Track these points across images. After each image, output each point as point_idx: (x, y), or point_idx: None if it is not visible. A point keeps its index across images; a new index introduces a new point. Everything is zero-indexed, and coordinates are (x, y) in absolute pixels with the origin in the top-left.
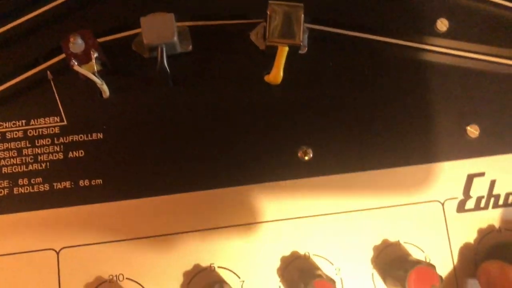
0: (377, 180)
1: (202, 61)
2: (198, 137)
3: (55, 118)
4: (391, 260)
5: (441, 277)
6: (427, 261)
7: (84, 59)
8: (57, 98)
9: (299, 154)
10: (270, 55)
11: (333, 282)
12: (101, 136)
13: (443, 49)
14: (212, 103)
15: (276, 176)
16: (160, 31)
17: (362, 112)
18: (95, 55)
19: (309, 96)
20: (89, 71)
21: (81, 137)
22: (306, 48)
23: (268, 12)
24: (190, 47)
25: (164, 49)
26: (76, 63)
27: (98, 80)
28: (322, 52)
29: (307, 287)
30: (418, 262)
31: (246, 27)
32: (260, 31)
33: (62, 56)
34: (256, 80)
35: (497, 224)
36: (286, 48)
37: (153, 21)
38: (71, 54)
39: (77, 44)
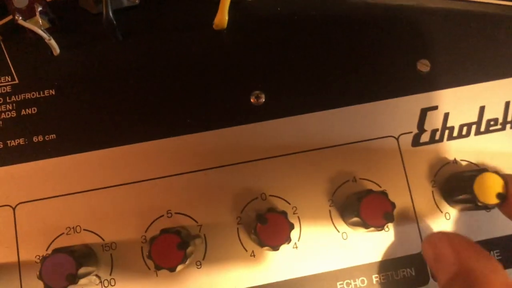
0: (331, 119)
1: (149, 13)
2: (151, 88)
3: (6, 77)
4: (347, 195)
5: (393, 203)
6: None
7: (28, 13)
8: (7, 58)
9: (251, 99)
10: (216, 1)
11: (284, 213)
12: (53, 93)
13: None
14: (162, 54)
15: (232, 122)
16: None
17: (311, 54)
18: (39, 8)
19: (259, 41)
20: (35, 26)
21: (33, 95)
22: None
23: None
24: (137, 0)
25: (108, 1)
26: (20, 18)
27: (45, 35)
28: None
29: (260, 221)
30: (370, 190)
31: None
32: None
33: (10, 17)
34: (205, 28)
35: (452, 156)
36: None
37: None
38: (15, 9)
39: None
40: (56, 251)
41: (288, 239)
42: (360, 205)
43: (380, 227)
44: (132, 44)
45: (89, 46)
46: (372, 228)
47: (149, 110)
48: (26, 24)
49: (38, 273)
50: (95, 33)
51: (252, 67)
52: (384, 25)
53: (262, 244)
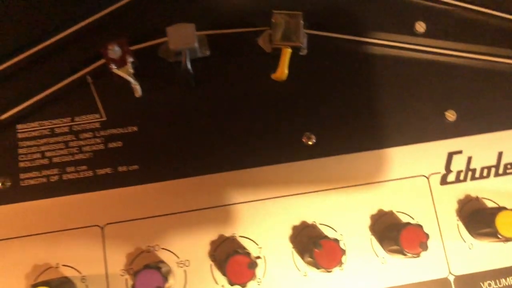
0: (372, 159)
1: (218, 64)
2: (219, 127)
3: (95, 115)
4: (386, 225)
5: (427, 234)
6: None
7: (121, 63)
8: (97, 98)
9: (303, 139)
10: (275, 56)
11: (336, 240)
12: (136, 129)
13: (422, 47)
14: (228, 98)
15: (284, 158)
16: (183, 38)
17: (356, 102)
18: (130, 59)
19: (310, 90)
20: (126, 73)
21: (118, 130)
22: (306, 50)
23: (273, 20)
24: (208, 52)
25: (187, 52)
26: (114, 67)
27: (133, 81)
28: (320, 53)
29: (316, 246)
30: (408, 223)
31: (254, 34)
32: (266, 36)
33: (100, 62)
34: (264, 78)
35: (475, 194)
36: (289, 50)
37: (177, 30)
38: (109, 59)
39: (114, 50)
40: (146, 266)
41: (340, 263)
42: (399, 236)
43: (416, 255)
44: (203, 89)
45: (166, 90)
46: (409, 255)
47: (217, 145)
48: (119, 72)
49: (131, 286)
50: (171, 79)
51: (304, 111)
52: (418, 80)
53: (317, 267)
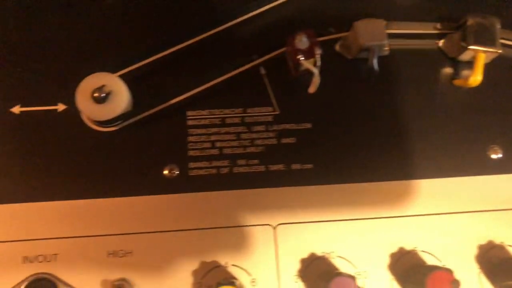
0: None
1: (397, 63)
2: (395, 130)
3: (268, 108)
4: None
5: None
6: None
7: (308, 54)
8: (270, 90)
9: (488, 152)
10: (459, 61)
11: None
12: (310, 126)
13: None
14: (406, 100)
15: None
16: (373, 34)
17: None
18: (318, 51)
19: (495, 95)
20: (312, 66)
21: (291, 126)
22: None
23: (468, 23)
24: (388, 51)
25: (376, 50)
26: (302, 58)
27: (317, 74)
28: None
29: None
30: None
31: (436, 36)
32: (449, 40)
33: (274, 54)
34: (445, 83)
35: None
36: (483, 54)
37: (366, 26)
38: (297, 49)
39: (302, 41)
40: (338, 273)
41: None
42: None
43: None
44: (378, 89)
45: (341, 87)
46: None
47: (394, 151)
48: (306, 64)
49: None
50: (346, 78)
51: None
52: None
53: None
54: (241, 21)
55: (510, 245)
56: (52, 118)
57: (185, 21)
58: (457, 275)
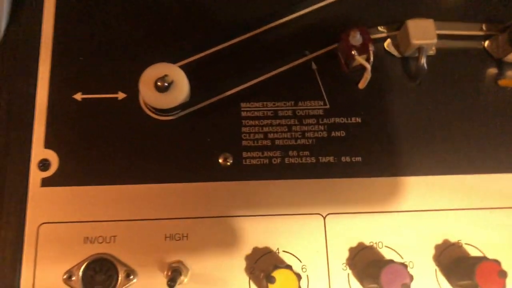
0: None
1: (442, 66)
2: (438, 128)
3: (319, 102)
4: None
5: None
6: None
7: (362, 50)
8: (321, 85)
9: None
10: (502, 62)
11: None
12: (359, 121)
13: None
14: (451, 99)
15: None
16: (424, 33)
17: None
18: (372, 48)
19: None
20: (365, 62)
21: (341, 120)
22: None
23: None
24: (434, 51)
25: (425, 49)
26: (356, 53)
27: (369, 70)
28: None
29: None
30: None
31: (482, 38)
32: (494, 41)
33: (325, 50)
34: (489, 83)
35: None
36: None
37: (417, 25)
38: (351, 45)
39: (356, 38)
40: (390, 261)
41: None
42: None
43: None
44: (426, 91)
45: (387, 85)
46: None
47: (441, 147)
48: (359, 59)
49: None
50: (395, 75)
51: None
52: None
53: None
54: (294, 18)
55: None
56: (112, 106)
57: (242, 16)
58: (504, 267)
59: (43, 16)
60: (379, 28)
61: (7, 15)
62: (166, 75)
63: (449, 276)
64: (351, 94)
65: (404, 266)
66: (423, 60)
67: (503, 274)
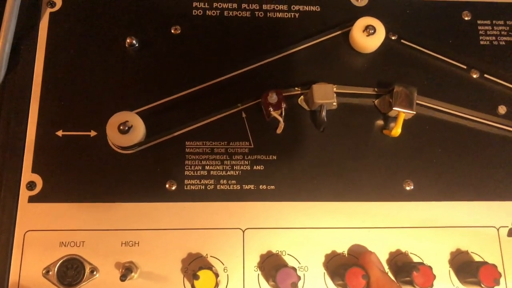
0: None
1: (342, 116)
2: (335, 165)
3: (246, 142)
4: (464, 261)
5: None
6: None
7: (276, 107)
8: (248, 129)
9: (403, 185)
10: (387, 116)
11: (430, 267)
12: (275, 158)
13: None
14: (348, 144)
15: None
16: (325, 94)
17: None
18: (284, 105)
19: (411, 144)
20: (278, 115)
21: (262, 157)
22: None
23: (395, 90)
24: (335, 106)
25: (325, 106)
26: (272, 110)
27: (282, 121)
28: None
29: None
30: (484, 262)
31: (374, 96)
32: (382, 100)
33: (253, 102)
34: (377, 132)
35: None
36: (404, 114)
37: (320, 88)
38: (268, 103)
39: (273, 97)
40: (284, 265)
41: (432, 286)
42: (478, 271)
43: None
44: (328, 135)
45: (298, 131)
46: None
47: (343, 178)
48: (275, 114)
49: (275, 277)
50: (304, 124)
51: (404, 160)
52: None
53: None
54: (231, 77)
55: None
56: (85, 141)
57: (189, 75)
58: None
59: (34, 67)
60: (296, 88)
61: (5, 66)
62: (126, 121)
63: (333, 277)
64: (270, 137)
65: (294, 269)
66: (324, 114)
67: (365, 277)
